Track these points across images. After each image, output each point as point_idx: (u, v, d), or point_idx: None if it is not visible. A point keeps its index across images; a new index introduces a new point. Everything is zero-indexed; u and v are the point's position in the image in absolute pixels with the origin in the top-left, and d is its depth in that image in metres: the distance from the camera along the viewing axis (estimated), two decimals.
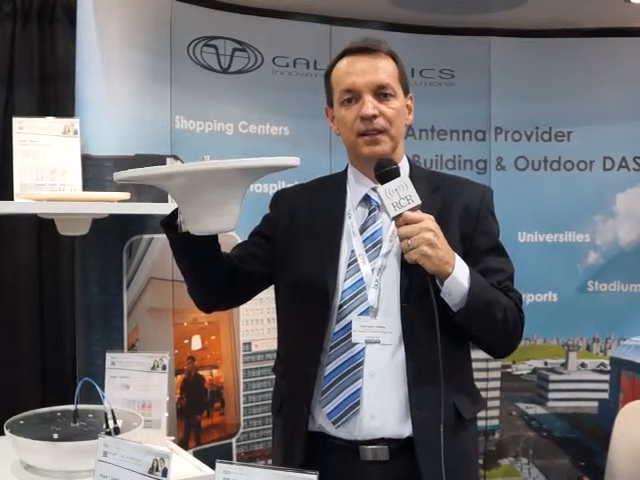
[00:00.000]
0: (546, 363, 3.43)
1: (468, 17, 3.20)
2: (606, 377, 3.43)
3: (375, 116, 1.77)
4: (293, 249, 1.88)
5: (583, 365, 3.44)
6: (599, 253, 3.39)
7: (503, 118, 3.35)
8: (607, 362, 3.42)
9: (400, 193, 1.65)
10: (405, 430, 1.76)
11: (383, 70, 1.80)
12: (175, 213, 1.75)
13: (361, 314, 1.77)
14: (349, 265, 1.80)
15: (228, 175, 1.59)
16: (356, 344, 1.76)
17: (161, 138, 2.70)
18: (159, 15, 2.71)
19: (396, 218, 1.66)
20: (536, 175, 3.37)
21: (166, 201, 2.41)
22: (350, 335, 1.77)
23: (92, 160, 2.46)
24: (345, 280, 1.80)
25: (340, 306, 1.79)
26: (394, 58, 1.85)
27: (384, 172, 1.68)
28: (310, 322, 1.81)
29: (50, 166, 2.31)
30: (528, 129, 3.37)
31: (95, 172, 2.46)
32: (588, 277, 3.39)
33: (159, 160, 2.66)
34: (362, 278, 1.78)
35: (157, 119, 2.69)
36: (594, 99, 3.32)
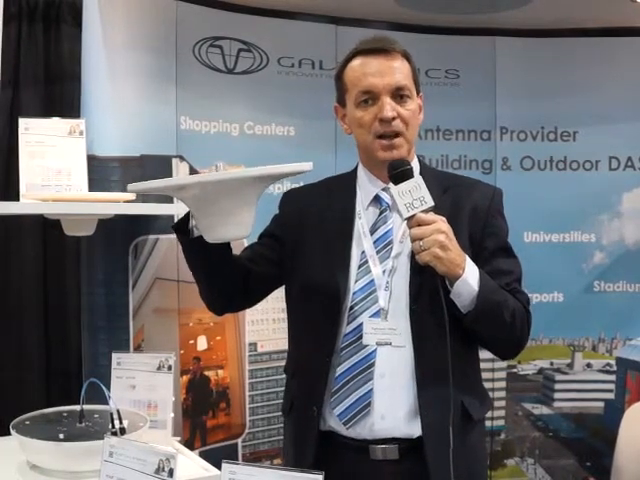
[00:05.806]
0: (552, 363, 3.43)
1: (473, 17, 3.20)
2: (612, 377, 3.42)
3: (394, 118, 1.76)
4: (303, 250, 1.87)
5: (589, 365, 3.43)
6: (605, 253, 3.39)
7: (509, 118, 3.34)
8: (613, 362, 3.41)
9: (413, 194, 1.63)
10: (415, 430, 1.76)
11: (399, 71, 1.79)
12: (186, 217, 1.75)
13: (372, 316, 1.77)
14: (360, 266, 1.80)
15: (241, 184, 1.59)
16: (367, 346, 1.76)
17: (167, 139, 2.70)
18: (164, 16, 2.71)
19: (408, 219, 1.65)
20: (542, 175, 3.36)
21: (171, 202, 2.42)
22: (361, 337, 1.76)
23: (98, 161, 2.46)
24: (356, 282, 1.79)
25: (351, 307, 1.78)
26: (408, 58, 1.83)
27: (398, 172, 1.67)
28: (321, 323, 1.80)
29: (56, 167, 2.31)
30: (534, 129, 3.36)
31: (101, 173, 2.46)
32: (594, 277, 3.38)
33: (164, 161, 2.67)
34: (373, 280, 1.78)
35: (162, 120, 2.69)
36: (599, 99, 3.31)
